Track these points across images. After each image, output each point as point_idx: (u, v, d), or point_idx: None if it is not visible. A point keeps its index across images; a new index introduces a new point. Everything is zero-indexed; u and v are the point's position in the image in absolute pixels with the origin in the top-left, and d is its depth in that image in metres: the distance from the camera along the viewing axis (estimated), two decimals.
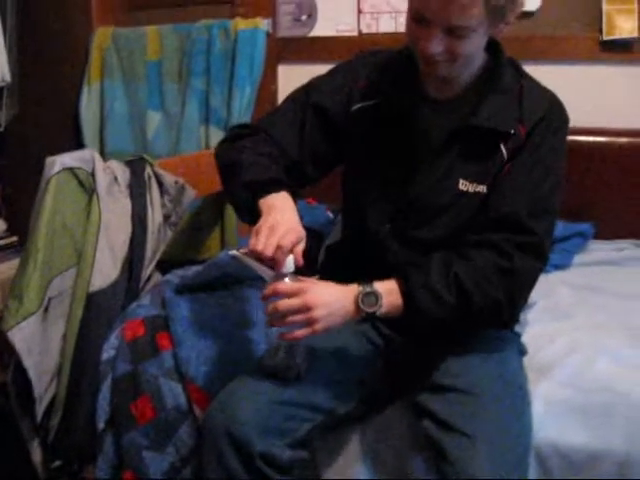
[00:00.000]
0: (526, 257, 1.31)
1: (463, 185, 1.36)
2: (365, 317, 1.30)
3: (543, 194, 1.34)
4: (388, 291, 1.30)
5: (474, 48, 1.30)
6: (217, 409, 1.34)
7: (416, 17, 1.26)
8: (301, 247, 1.28)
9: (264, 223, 1.28)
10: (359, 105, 1.44)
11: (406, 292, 1.30)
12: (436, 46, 1.26)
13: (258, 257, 1.27)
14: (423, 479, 1.35)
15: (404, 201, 1.40)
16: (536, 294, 1.41)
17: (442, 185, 1.37)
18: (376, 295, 1.29)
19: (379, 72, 1.44)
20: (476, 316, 1.33)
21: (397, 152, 1.41)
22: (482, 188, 1.36)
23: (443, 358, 1.39)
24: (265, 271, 1.34)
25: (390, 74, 1.42)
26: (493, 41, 1.36)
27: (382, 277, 1.33)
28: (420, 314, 1.30)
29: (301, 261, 1.28)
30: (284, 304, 1.25)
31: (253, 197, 1.33)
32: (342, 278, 1.36)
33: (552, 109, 1.36)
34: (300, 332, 1.27)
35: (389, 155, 1.41)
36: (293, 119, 1.47)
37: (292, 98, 1.51)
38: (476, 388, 1.33)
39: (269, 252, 1.24)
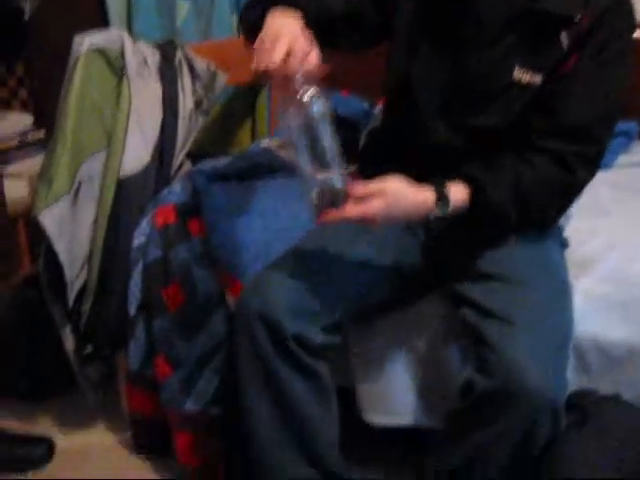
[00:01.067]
0: (586, 169, 1.30)
1: (518, 73, 1.29)
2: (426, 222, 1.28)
3: (611, 101, 1.29)
4: (460, 200, 1.27)
5: None
6: (251, 292, 1.32)
7: None
8: (315, 54, 1.14)
9: (265, 33, 1.14)
10: None
11: (474, 202, 1.26)
12: None
13: (282, 82, 1.12)
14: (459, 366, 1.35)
15: (455, 82, 1.33)
16: None
17: (496, 70, 1.30)
18: (447, 202, 1.25)
19: None
20: (526, 224, 1.33)
21: (451, 31, 1.33)
22: (537, 79, 1.29)
23: (484, 247, 1.36)
24: (299, 164, 1.16)
25: None
26: None
27: (424, 161, 1.30)
28: (479, 222, 1.29)
29: (319, 65, 1.14)
30: (352, 210, 1.17)
31: (263, 13, 1.20)
32: (383, 162, 1.31)
33: (620, 2, 1.27)
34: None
35: (442, 34, 1.33)
36: None
37: None
38: (517, 277, 1.30)
39: (277, 59, 1.09)
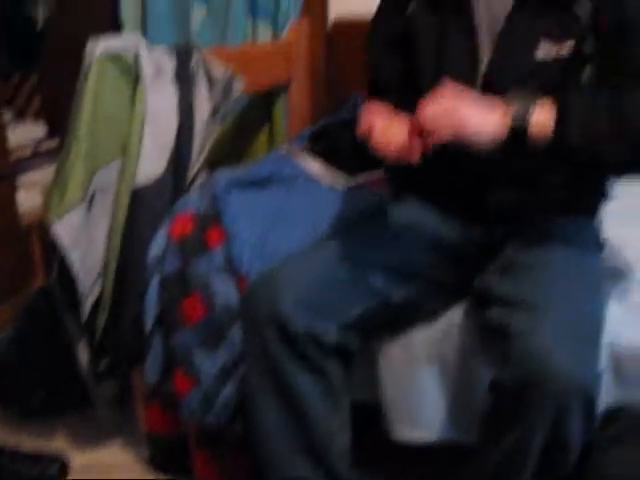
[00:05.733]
0: None
1: (543, 49, 1.22)
2: (511, 133, 1.13)
3: None
4: (541, 104, 1.14)
5: None
6: (260, 284, 1.29)
7: None
8: None
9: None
10: None
11: (562, 107, 1.13)
12: None
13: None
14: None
15: (475, 76, 1.28)
16: None
17: (519, 51, 1.24)
18: (527, 105, 1.13)
19: None
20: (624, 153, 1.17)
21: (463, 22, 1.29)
22: (565, 51, 1.22)
23: (518, 241, 1.31)
24: (317, 170, 1.24)
25: None
26: None
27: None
28: (570, 130, 1.13)
29: None
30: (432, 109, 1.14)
31: None
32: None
33: None
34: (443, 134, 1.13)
35: (454, 24, 1.30)
36: None
37: None
38: (550, 266, 1.24)
39: None
